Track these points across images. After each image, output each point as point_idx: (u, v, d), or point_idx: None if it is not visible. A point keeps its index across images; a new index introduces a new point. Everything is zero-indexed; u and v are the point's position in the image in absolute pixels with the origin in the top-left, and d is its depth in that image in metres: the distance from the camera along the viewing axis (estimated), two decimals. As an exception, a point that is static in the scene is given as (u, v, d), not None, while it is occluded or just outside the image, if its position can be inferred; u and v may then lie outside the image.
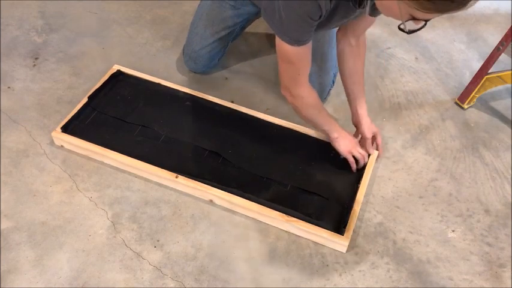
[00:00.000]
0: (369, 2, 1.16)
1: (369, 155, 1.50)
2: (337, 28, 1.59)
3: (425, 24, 1.03)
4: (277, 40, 1.24)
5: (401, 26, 1.03)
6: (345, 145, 1.46)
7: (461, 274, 1.33)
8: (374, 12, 1.25)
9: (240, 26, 1.66)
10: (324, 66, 1.61)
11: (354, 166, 1.47)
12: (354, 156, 1.46)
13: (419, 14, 0.98)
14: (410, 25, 1.04)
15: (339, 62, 1.50)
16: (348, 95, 1.53)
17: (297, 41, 1.22)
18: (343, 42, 1.45)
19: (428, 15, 0.98)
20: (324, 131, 1.47)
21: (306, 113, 1.41)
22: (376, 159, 1.53)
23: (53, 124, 1.56)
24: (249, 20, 1.68)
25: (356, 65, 1.47)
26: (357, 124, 1.53)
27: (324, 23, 1.25)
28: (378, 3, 1.09)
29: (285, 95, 1.38)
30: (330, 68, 1.63)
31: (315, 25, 1.20)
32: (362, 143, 1.52)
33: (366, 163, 1.48)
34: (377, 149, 1.54)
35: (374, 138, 1.53)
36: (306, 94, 1.36)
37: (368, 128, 1.51)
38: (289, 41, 1.22)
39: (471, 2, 0.92)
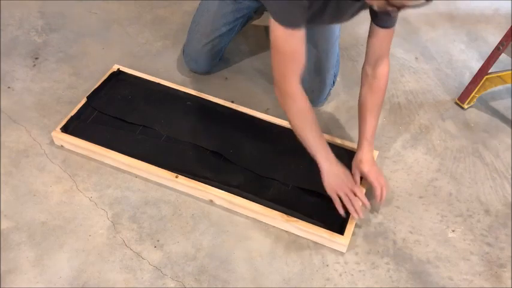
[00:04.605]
0: None
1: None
2: (338, 24, 1.59)
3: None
4: (271, 24, 1.18)
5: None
6: (331, 180, 1.30)
7: (462, 274, 1.33)
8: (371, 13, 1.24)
9: (240, 22, 1.66)
10: (323, 64, 1.60)
11: (339, 209, 1.32)
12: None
13: None
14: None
15: None
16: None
17: (289, 22, 1.15)
18: (363, 70, 1.38)
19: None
20: (313, 155, 1.30)
21: (295, 120, 1.28)
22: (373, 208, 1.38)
23: (53, 124, 1.56)
24: (249, 17, 1.68)
25: (366, 98, 1.36)
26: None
27: (317, 14, 1.21)
28: None
29: (276, 94, 1.29)
30: (329, 66, 1.62)
31: (307, 5, 1.15)
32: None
33: (358, 214, 1.31)
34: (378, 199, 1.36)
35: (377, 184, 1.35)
36: (296, 95, 1.25)
37: (357, 168, 1.36)
38: (281, 20, 1.15)
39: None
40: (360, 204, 1.32)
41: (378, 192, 1.35)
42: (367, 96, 1.36)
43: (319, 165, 1.31)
